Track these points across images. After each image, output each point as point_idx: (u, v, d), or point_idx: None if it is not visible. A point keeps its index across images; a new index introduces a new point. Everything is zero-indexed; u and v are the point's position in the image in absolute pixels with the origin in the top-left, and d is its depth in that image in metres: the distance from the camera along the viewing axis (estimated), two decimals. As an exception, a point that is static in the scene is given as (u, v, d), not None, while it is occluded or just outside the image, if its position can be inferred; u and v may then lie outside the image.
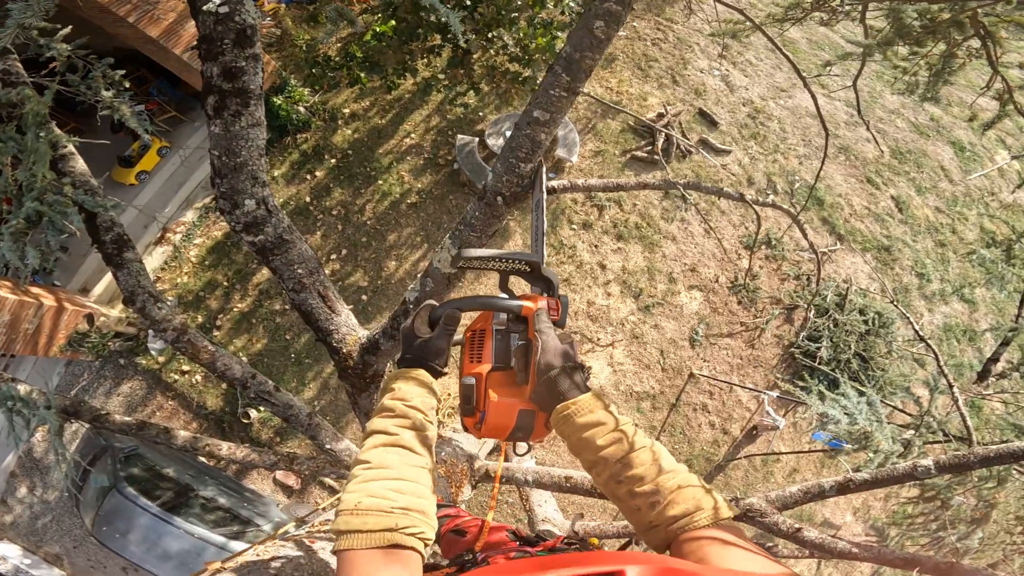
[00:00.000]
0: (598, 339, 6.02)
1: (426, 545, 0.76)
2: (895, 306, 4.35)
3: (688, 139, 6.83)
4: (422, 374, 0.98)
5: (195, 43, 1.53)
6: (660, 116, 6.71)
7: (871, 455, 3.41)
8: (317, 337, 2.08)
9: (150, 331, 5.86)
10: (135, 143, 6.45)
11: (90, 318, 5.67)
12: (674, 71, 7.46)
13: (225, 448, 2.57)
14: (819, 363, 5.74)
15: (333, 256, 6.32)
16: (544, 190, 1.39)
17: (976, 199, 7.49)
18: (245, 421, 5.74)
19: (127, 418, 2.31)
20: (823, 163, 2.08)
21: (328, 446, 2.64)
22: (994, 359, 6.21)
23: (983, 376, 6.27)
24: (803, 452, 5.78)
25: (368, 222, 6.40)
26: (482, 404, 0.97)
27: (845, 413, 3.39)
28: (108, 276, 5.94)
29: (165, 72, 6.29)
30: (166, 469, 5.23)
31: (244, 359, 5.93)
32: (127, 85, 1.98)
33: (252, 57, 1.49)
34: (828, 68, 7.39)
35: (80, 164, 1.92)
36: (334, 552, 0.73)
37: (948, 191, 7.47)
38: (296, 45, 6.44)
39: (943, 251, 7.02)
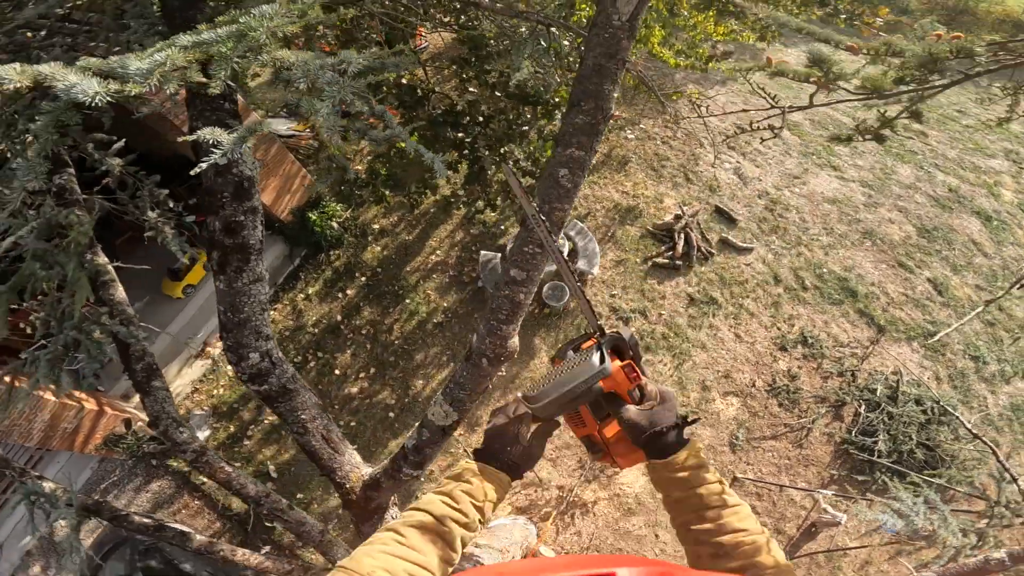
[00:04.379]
0: (630, 449, 5.73)
1: None
2: (939, 404, 4.08)
3: (708, 240, 6.88)
4: (503, 478, 0.99)
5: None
6: (677, 218, 6.83)
7: (941, 549, 3.03)
8: (322, 473, 2.05)
9: (183, 436, 6.05)
10: (185, 255, 6.89)
11: (128, 422, 5.85)
12: (686, 168, 7.69)
13: (240, 554, 2.54)
14: (878, 457, 5.41)
15: (362, 375, 6.37)
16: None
17: (1016, 271, 7.15)
18: (268, 524, 5.60)
19: (146, 519, 2.31)
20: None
21: (338, 561, 2.58)
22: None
23: None
24: (867, 546, 5.22)
25: (396, 341, 6.51)
26: (606, 447, 1.01)
27: (899, 515, 3.04)
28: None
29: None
30: (184, 564, 5.12)
31: (272, 467, 5.86)
32: (172, 203, 2.12)
33: (251, 210, 1.58)
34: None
35: (119, 292, 2.06)
36: None
37: (985, 266, 7.16)
38: (331, 160, 6.87)
39: (993, 330, 6.62)
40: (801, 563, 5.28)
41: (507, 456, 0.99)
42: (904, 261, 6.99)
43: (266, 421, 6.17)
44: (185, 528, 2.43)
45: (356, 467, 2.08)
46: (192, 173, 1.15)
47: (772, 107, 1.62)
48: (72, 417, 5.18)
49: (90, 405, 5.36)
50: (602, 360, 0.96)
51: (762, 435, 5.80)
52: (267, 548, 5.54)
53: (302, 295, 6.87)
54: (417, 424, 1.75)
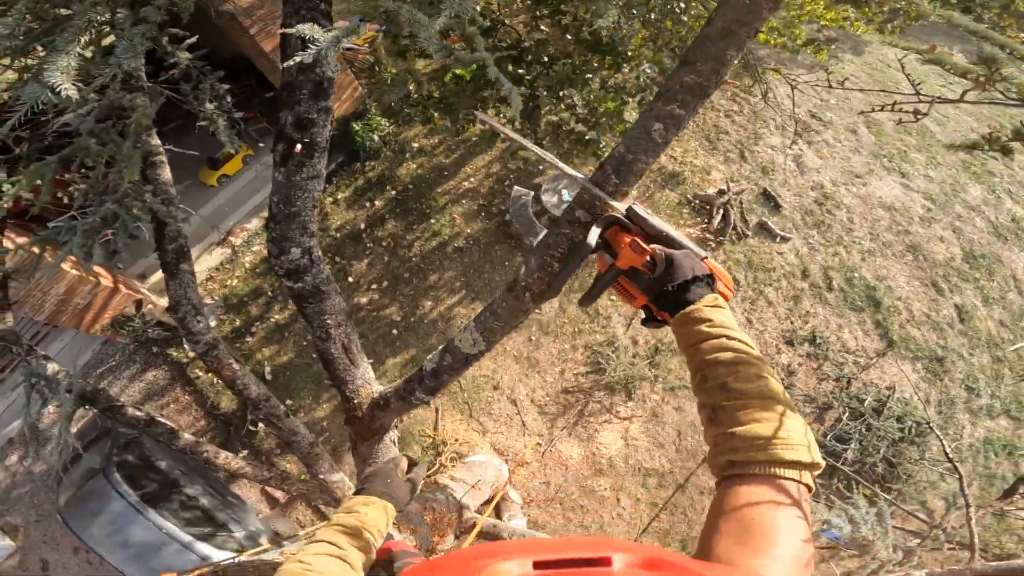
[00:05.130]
0: (617, 411, 5.87)
1: None
2: (930, 426, 4.15)
3: (747, 220, 6.70)
4: (389, 507, 1.15)
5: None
6: (721, 192, 6.62)
7: (869, 561, 3.19)
8: (332, 383, 2.10)
9: (189, 332, 6.12)
10: (225, 148, 7.09)
11: (138, 304, 5.92)
12: (744, 146, 7.36)
13: (222, 457, 2.65)
14: (842, 463, 5.51)
15: (374, 286, 6.46)
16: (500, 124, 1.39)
17: None
18: (252, 428, 5.83)
19: (139, 413, 2.40)
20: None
21: (322, 476, 2.66)
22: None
23: (1010, 493, 5.81)
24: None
25: (414, 258, 6.55)
26: (661, 316, 1.06)
27: (850, 521, 3.18)
28: (166, 270, 6.36)
29: (271, 87, 6.70)
30: (160, 462, 5.26)
31: (268, 368, 6.06)
32: (229, 99, 2.13)
33: (324, 110, 1.57)
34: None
35: (166, 173, 2.08)
36: None
37: (1016, 304, 6.96)
38: (383, 77, 6.76)
39: (999, 367, 6.54)
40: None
41: (389, 488, 1.18)
42: (938, 282, 6.80)
43: (272, 320, 6.33)
44: (172, 425, 2.53)
45: (368, 383, 2.12)
46: (283, 66, 1.17)
47: (920, 96, 1.48)
48: (87, 292, 5.14)
49: (106, 282, 5.37)
50: (598, 236, 1.07)
51: (741, 421, 5.94)
52: (245, 452, 5.75)
53: (331, 199, 6.87)
54: (440, 348, 1.76)
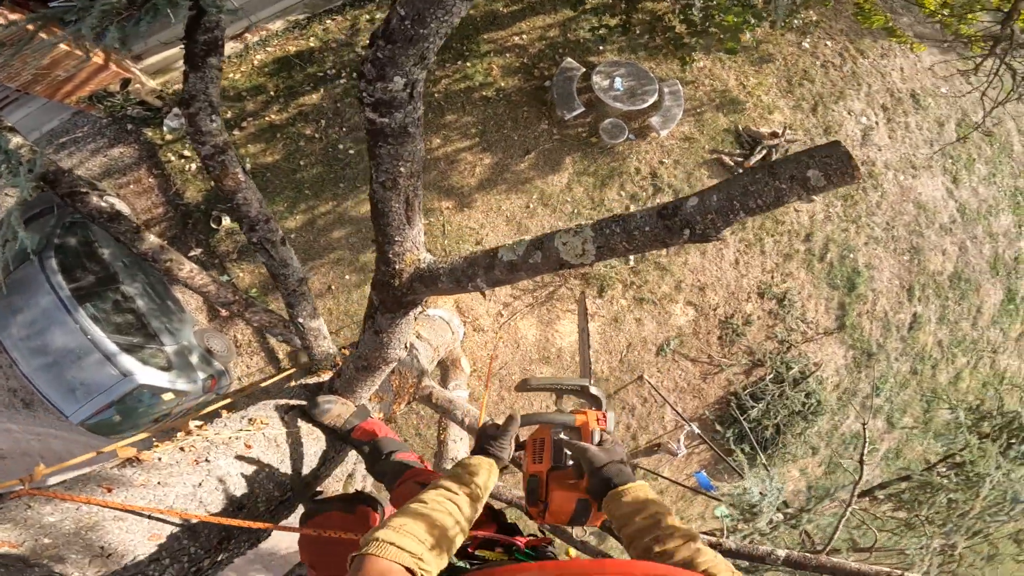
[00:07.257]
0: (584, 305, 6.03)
1: None
2: (863, 426, 4.54)
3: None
4: (494, 465, 1.32)
5: None
6: (774, 135, 6.29)
7: (745, 526, 3.63)
8: (376, 238, 1.87)
9: (173, 109, 5.45)
10: None
11: (125, 82, 5.22)
12: (822, 99, 6.85)
13: (186, 270, 2.41)
14: (745, 419, 6.06)
15: None
16: (588, 321, 1.73)
17: (979, 350, 7.49)
18: (213, 226, 5.43)
19: (103, 204, 2.12)
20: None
21: (300, 320, 2.48)
22: (883, 486, 6.62)
23: (866, 493, 6.72)
24: (679, 484, 6.23)
25: (436, 94, 6.09)
26: (544, 496, 1.24)
27: (761, 493, 3.56)
28: (167, 52, 5.39)
29: None
30: (103, 249, 4.64)
31: (249, 165, 5.64)
32: None
33: None
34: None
35: None
36: (361, 550, 0.91)
37: (963, 332, 7.44)
38: None
39: (909, 379, 7.18)
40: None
41: (495, 448, 1.36)
42: (914, 288, 7.08)
43: (267, 119, 5.79)
44: (128, 211, 2.25)
45: (416, 247, 1.86)
46: None
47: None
48: (72, 66, 4.42)
49: (96, 58, 4.61)
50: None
51: (686, 353, 6.29)
52: (199, 250, 5.42)
53: (367, 16, 6.16)
54: (527, 239, 1.45)
